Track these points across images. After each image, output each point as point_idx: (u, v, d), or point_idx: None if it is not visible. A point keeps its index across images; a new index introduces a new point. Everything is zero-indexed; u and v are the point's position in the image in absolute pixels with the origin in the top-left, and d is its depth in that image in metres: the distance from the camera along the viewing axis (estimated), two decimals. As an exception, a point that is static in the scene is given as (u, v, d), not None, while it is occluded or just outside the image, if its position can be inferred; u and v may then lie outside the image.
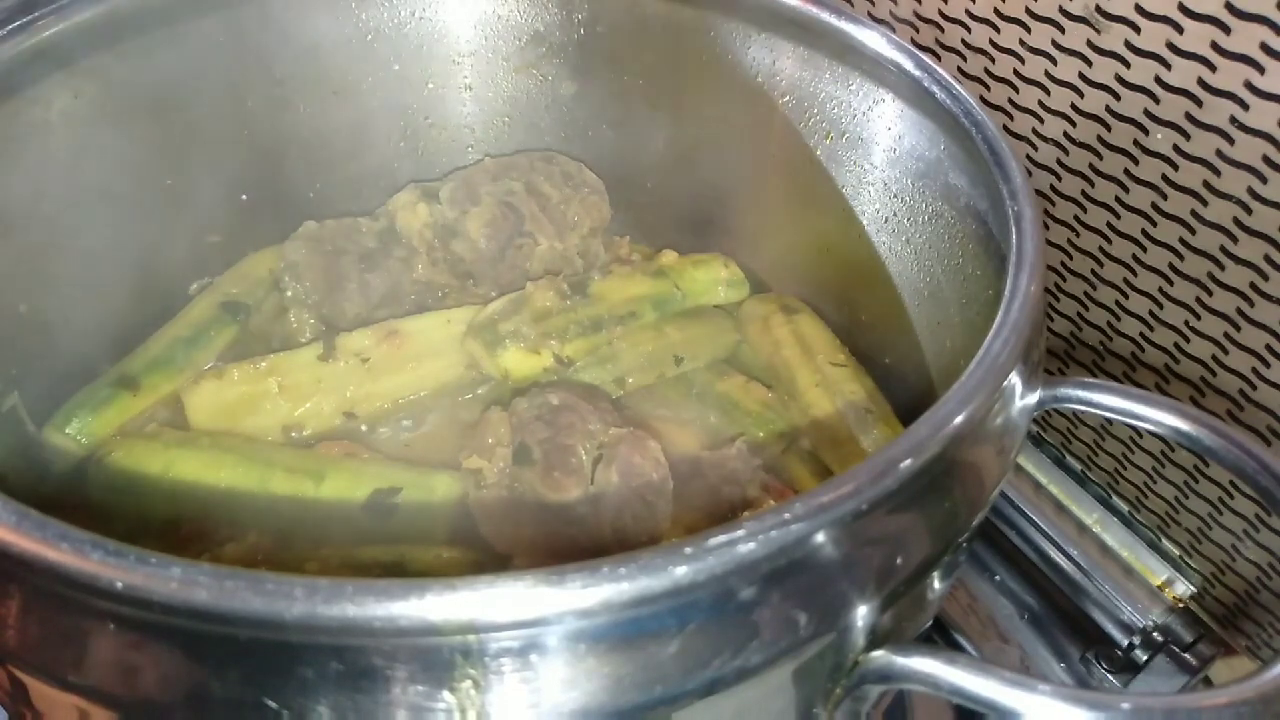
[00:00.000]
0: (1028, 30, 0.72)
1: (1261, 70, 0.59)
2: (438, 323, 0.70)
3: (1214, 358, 0.70)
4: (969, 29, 0.77)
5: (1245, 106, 0.61)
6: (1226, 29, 0.60)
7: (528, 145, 0.83)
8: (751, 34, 0.69)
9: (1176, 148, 0.66)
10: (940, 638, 0.79)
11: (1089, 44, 0.68)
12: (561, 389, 0.65)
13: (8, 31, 0.57)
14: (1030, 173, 0.77)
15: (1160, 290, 0.72)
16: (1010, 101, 0.76)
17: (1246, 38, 0.59)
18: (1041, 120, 0.75)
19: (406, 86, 0.79)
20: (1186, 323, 0.71)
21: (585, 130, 0.81)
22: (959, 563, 0.48)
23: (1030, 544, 0.83)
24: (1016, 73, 0.75)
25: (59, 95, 0.61)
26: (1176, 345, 0.73)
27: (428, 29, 0.77)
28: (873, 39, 0.62)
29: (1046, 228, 0.78)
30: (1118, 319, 0.77)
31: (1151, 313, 0.73)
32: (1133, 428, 0.64)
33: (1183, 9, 0.61)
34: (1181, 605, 0.80)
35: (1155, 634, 0.78)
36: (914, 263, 0.65)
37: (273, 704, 0.33)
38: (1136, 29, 0.65)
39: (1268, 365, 0.67)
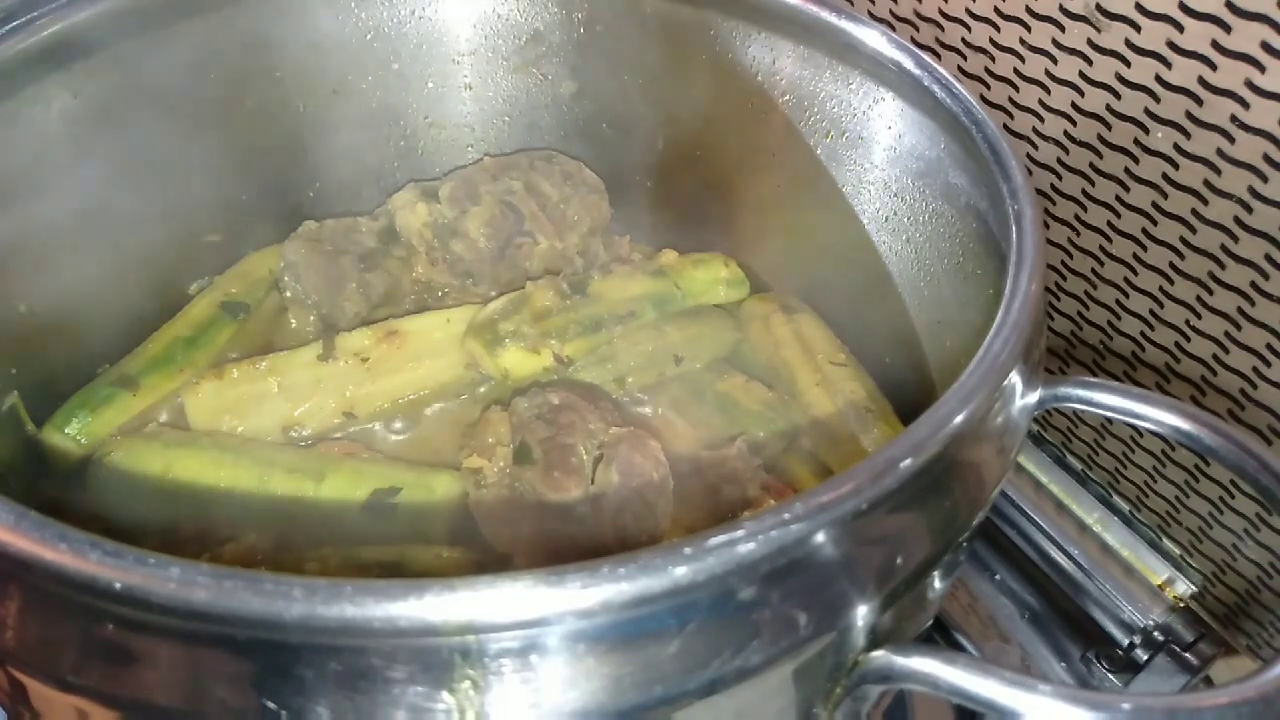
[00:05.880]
0: (1028, 29, 0.72)
1: (1262, 69, 0.59)
2: (437, 322, 0.70)
3: (1215, 357, 0.70)
4: (969, 28, 0.76)
5: (1246, 105, 0.61)
6: (1227, 28, 0.60)
7: (527, 144, 0.83)
8: (751, 33, 0.69)
9: (1177, 146, 0.66)
10: (940, 637, 0.79)
11: (1089, 43, 0.68)
12: (561, 388, 0.65)
13: (7, 31, 0.57)
14: (1030, 171, 0.77)
15: (1161, 289, 0.72)
16: (1010, 100, 0.76)
17: (1247, 36, 0.59)
18: (1042, 119, 0.74)
19: (406, 86, 0.79)
20: (1187, 322, 0.71)
21: (585, 130, 0.81)
22: (959, 562, 0.48)
23: (1031, 543, 0.83)
24: (1017, 71, 0.74)
25: (59, 95, 0.61)
26: (1177, 344, 0.73)
27: (427, 28, 0.77)
28: (873, 38, 0.62)
29: (1047, 226, 0.78)
30: (1118, 318, 0.77)
31: (1152, 311, 0.73)
32: (1133, 427, 0.64)
33: (1183, 8, 0.61)
34: (1182, 605, 0.80)
35: (1156, 633, 0.78)
36: (914, 262, 0.65)
37: (271, 704, 0.33)
38: (1137, 28, 0.65)
39: (1268, 364, 0.67)
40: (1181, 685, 0.76)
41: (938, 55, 0.80)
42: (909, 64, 0.60)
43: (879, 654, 0.39)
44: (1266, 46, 0.58)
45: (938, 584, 0.45)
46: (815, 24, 0.65)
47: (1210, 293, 0.68)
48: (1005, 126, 0.77)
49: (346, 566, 0.56)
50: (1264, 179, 0.62)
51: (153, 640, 0.34)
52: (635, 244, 0.82)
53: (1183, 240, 0.69)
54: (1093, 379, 0.48)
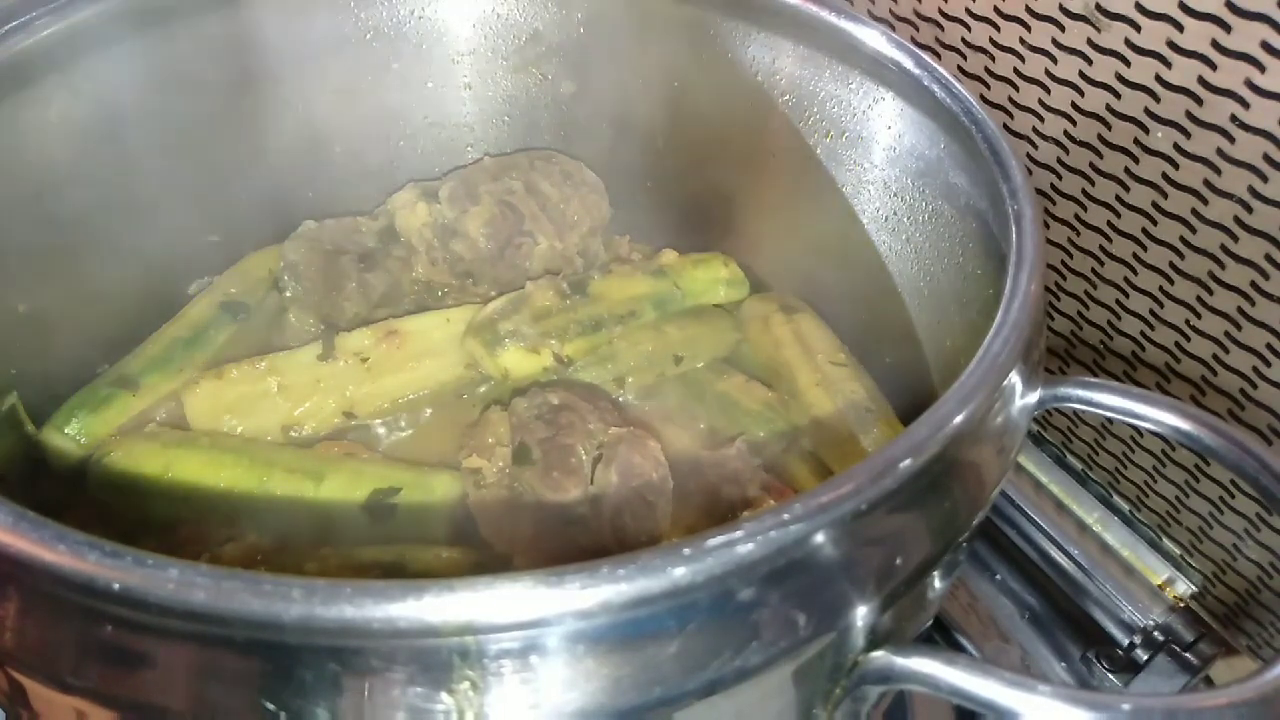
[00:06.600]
0: (1028, 29, 0.72)
1: (1262, 69, 0.59)
2: (437, 322, 0.70)
3: (1215, 356, 0.70)
4: (969, 27, 0.76)
5: (1246, 105, 0.61)
6: (1227, 27, 0.60)
7: (527, 144, 0.83)
8: (751, 33, 0.69)
9: (1177, 146, 0.66)
10: (940, 638, 0.79)
11: (1089, 42, 0.68)
12: (561, 388, 0.65)
13: (7, 31, 0.57)
14: (1030, 171, 0.77)
15: (1161, 289, 0.72)
16: (1010, 100, 0.76)
17: (1247, 36, 0.59)
18: (1042, 119, 0.74)
19: (406, 86, 0.79)
20: (1187, 321, 0.71)
21: (585, 129, 0.81)
22: (959, 562, 0.48)
23: (1031, 543, 0.83)
24: (1017, 71, 0.74)
25: (59, 95, 0.61)
26: (1177, 344, 0.73)
27: (427, 28, 0.77)
28: (872, 37, 0.61)
29: (1047, 226, 0.78)
30: (1118, 318, 0.77)
31: (1152, 311, 0.73)
32: (1133, 427, 0.64)
33: (1183, 7, 0.61)
34: (1182, 605, 0.80)
35: (1156, 633, 0.78)
36: (914, 262, 0.65)
37: (270, 705, 0.33)
38: (1137, 27, 0.65)
39: (1268, 364, 0.67)
40: (1181, 685, 0.76)
41: (938, 55, 0.80)
42: (909, 64, 0.60)
43: (879, 654, 0.39)
44: (1266, 46, 0.58)
45: (938, 584, 0.45)
46: (815, 24, 0.65)
47: (1210, 293, 0.68)
48: (1005, 126, 0.77)
49: (346, 567, 0.56)
50: (1264, 179, 0.62)
51: (152, 641, 0.34)
52: (635, 244, 0.82)
53: (1183, 240, 0.68)
54: (1093, 379, 0.48)
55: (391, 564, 0.57)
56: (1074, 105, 0.71)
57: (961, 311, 0.60)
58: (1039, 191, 0.77)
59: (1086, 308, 0.79)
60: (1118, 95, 0.68)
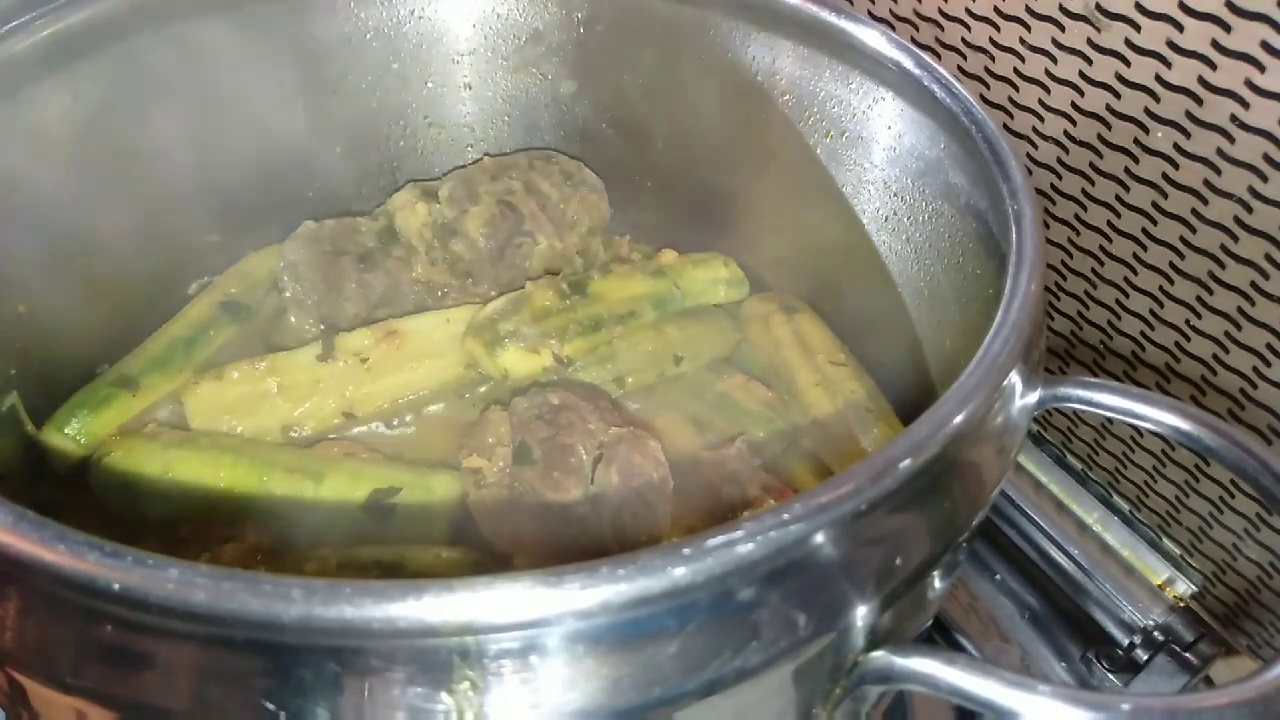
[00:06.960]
0: (1028, 29, 0.72)
1: (1262, 69, 0.59)
2: (437, 322, 0.70)
3: (1215, 356, 0.70)
4: (969, 27, 0.76)
5: (1246, 105, 0.61)
6: (1227, 27, 0.60)
7: (527, 144, 0.83)
8: (751, 33, 0.69)
9: (1177, 146, 0.66)
10: (940, 638, 0.79)
11: (1089, 42, 0.68)
12: (561, 388, 0.65)
13: (7, 31, 0.58)
14: (1030, 171, 0.77)
15: (1161, 289, 0.72)
16: (1010, 100, 0.76)
17: (1247, 36, 0.59)
18: (1042, 119, 0.74)
19: (405, 85, 0.79)
20: (1187, 321, 0.71)
21: (585, 129, 0.81)
22: (959, 562, 0.48)
23: (1031, 543, 0.83)
24: (1016, 71, 0.74)
25: (59, 95, 0.61)
26: (1177, 344, 0.73)
27: (427, 28, 0.77)
28: (872, 37, 0.62)
29: (1047, 226, 0.78)
30: (1118, 318, 0.77)
31: (1152, 311, 0.73)
32: (1133, 427, 0.64)
33: (1183, 7, 0.61)
34: (1182, 604, 0.80)
35: (1156, 633, 0.78)
36: (914, 262, 0.65)
37: (270, 706, 0.33)
38: (1137, 27, 0.65)
39: (1268, 364, 0.67)
40: (1181, 685, 0.76)
41: (938, 55, 0.80)
42: (909, 64, 0.60)
43: (879, 654, 0.39)
44: (1266, 46, 0.58)
45: (937, 584, 0.45)
46: (815, 24, 0.65)
47: (1210, 293, 0.68)
48: (1005, 126, 0.77)
49: (346, 567, 0.56)
50: (1264, 179, 0.62)
51: (152, 641, 0.34)
52: (635, 244, 0.82)
53: (1183, 240, 0.68)
54: (1093, 379, 0.48)
55: (391, 564, 0.57)
56: (1074, 105, 0.71)
57: (961, 311, 0.60)
58: (1039, 191, 0.77)
59: (1086, 308, 0.79)
60: (1118, 95, 0.68)
